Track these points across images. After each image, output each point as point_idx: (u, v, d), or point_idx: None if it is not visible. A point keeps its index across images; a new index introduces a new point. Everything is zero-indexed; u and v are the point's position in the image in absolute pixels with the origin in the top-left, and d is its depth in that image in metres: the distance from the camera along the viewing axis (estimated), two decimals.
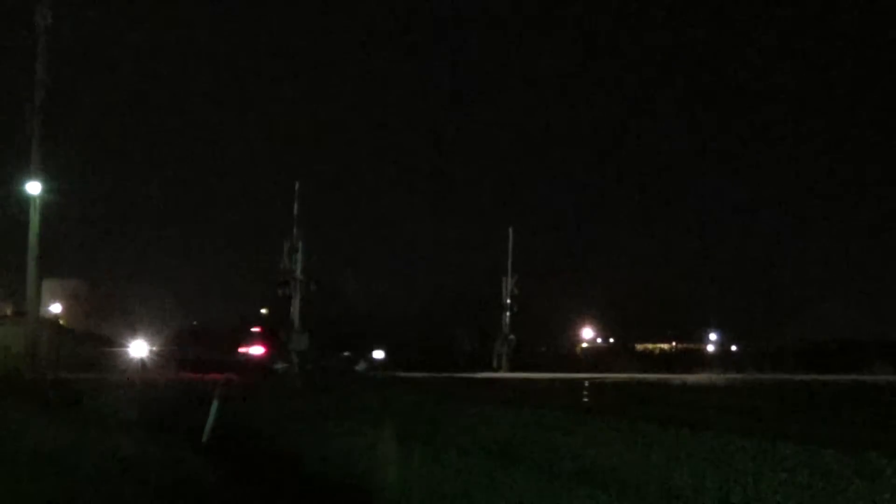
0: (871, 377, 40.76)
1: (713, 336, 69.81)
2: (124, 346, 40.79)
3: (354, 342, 41.83)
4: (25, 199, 27.84)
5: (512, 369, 42.99)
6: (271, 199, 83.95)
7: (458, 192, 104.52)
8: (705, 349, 69.17)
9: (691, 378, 38.62)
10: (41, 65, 27.56)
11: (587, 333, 68.88)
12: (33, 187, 27.69)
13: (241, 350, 38.45)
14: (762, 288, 64.20)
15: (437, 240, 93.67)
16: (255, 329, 41.17)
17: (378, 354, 41.54)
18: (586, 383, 29.92)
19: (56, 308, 59.19)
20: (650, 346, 73.71)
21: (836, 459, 7.19)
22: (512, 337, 46.19)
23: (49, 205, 28.12)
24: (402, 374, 34.99)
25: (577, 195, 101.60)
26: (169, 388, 22.15)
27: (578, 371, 42.04)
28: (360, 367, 39.30)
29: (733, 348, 69.41)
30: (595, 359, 56.40)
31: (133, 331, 44.50)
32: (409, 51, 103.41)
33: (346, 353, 39.94)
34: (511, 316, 46.52)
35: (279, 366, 36.78)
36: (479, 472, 8.92)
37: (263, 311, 58.46)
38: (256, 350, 38.14)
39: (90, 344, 41.50)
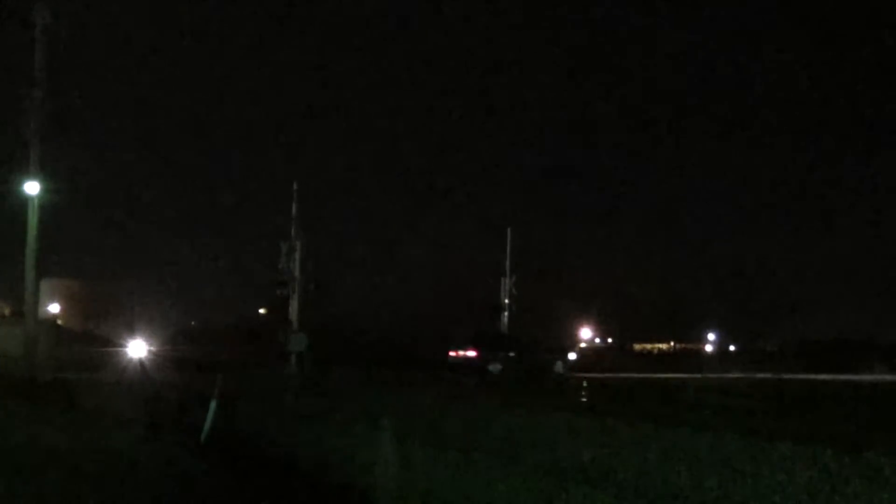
0: (869, 377, 40.75)
1: (711, 336, 69.91)
2: (123, 345, 40.80)
3: (546, 343, 43.96)
4: (24, 199, 27.79)
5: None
6: (271, 199, 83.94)
7: (457, 192, 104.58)
8: (704, 349, 69.25)
9: (694, 377, 38.65)
10: (39, 64, 27.52)
11: (585, 333, 68.91)
12: (32, 187, 27.65)
13: (453, 353, 41.02)
14: (761, 288, 64.13)
15: (435, 239, 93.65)
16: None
17: (572, 356, 43.06)
18: (584, 383, 29.94)
19: (54, 308, 59.23)
20: (648, 346, 73.83)
21: (836, 459, 7.18)
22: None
23: (48, 205, 28.07)
24: (594, 376, 36.05)
25: (577, 195, 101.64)
26: (167, 388, 22.11)
27: (580, 371, 42.04)
28: (559, 368, 40.36)
29: (731, 348, 69.51)
30: (593, 358, 56.46)
31: (131, 331, 44.53)
32: (409, 50, 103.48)
33: (545, 355, 41.53)
34: (509, 316, 46.52)
35: (493, 367, 38.79)
36: (478, 472, 8.91)
37: (262, 311, 58.51)
38: (470, 352, 40.64)
39: (88, 344, 41.49)
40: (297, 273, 34.78)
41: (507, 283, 46.47)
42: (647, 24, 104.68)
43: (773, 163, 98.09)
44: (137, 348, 39.73)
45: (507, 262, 46.54)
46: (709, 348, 69.45)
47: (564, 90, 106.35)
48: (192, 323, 65.07)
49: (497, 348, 40.99)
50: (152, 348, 42.25)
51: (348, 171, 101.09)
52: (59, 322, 54.10)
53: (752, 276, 66.40)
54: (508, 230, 46.95)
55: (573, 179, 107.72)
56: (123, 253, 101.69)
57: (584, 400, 22.70)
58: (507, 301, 46.48)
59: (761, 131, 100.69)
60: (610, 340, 73.97)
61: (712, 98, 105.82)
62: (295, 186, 35.22)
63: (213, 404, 14.15)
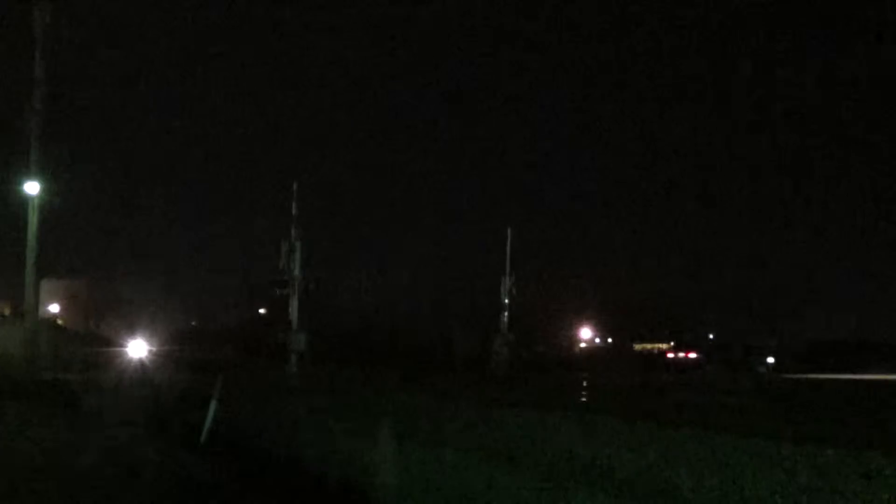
0: (869, 376, 40.85)
1: (711, 336, 69.85)
2: (123, 345, 40.78)
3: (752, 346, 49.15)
4: (24, 199, 27.81)
5: (511, 369, 42.96)
6: (271, 199, 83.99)
7: (457, 192, 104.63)
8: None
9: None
10: (40, 65, 27.54)
11: (585, 334, 68.84)
12: (32, 187, 27.67)
13: (671, 355, 48.24)
14: (760, 288, 64.22)
15: (435, 240, 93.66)
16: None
17: (770, 359, 48.18)
18: (584, 383, 29.90)
19: (55, 308, 59.16)
20: (648, 346, 73.76)
21: (836, 459, 7.17)
22: (511, 337, 46.15)
23: (48, 205, 28.09)
24: (797, 377, 38.87)
25: (577, 195, 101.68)
26: (167, 388, 22.11)
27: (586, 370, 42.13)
28: (761, 369, 44.95)
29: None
30: (593, 359, 56.50)
31: (131, 331, 44.50)
32: (410, 50, 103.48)
33: (752, 357, 46.91)
34: (509, 316, 46.46)
35: (708, 366, 43.97)
36: (478, 472, 8.91)
37: (262, 311, 58.45)
38: (690, 354, 47.67)
39: (89, 344, 41.47)
40: (297, 273, 34.72)
41: (507, 282, 46.38)
42: (647, 25, 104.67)
43: (773, 163, 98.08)
44: (137, 348, 39.71)
45: (507, 262, 46.46)
46: None
47: (566, 90, 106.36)
48: (193, 323, 65.05)
49: (710, 351, 46.22)
50: (152, 348, 42.22)
51: (348, 170, 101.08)
52: (60, 322, 54.08)
53: (752, 276, 66.52)
54: (508, 230, 46.90)
55: (573, 179, 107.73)
56: (123, 253, 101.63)
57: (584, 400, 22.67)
58: (507, 301, 46.40)
59: (763, 132, 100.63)
60: (610, 340, 73.89)
61: (713, 98, 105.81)
62: (295, 186, 35.19)
63: (213, 404, 14.16)
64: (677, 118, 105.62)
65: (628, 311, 66.05)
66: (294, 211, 34.88)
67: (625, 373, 40.51)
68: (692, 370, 43.50)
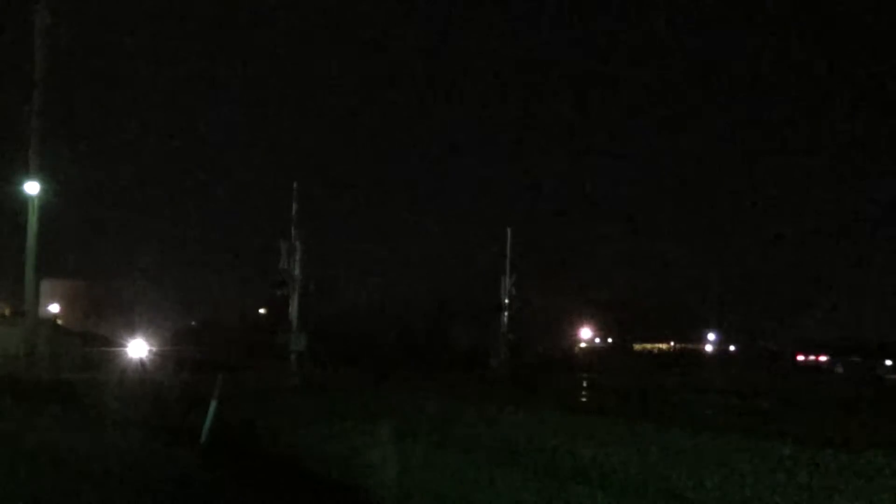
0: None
1: (711, 336, 69.78)
2: (123, 345, 40.72)
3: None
4: (24, 199, 27.81)
5: (511, 369, 42.95)
6: (271, 199, 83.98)
7: (457, 192, 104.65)
8: (704, 349, 69.18)
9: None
10: (40, 65, 27.56)
11: (585, 333, 68.82)
12: (32, 187, 27.68)
13: (802, 357, 52.39)
14: (760, 288, 64.31)
15: (435, 239, 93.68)
16: None
17: (888, 362, 50.05)
18: (584, 384, 29.88)
19: (54, 308, 59.14)
20: (648, 345, 73.74)
21: (836, 459, 7.18)
22: (511, 337, 46.11)
23: (48, 205, 28.11)
24: None
25: (577, 195, 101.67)
26: (167, 388, 22.11)
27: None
28: (881, 371, 46.73)
29: (731, 348, 69.44)
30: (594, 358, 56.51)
31: (131, 331, 44.44)
32: (410, 50, 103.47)
33: (856, 359, 49.47)
34: (509, 316, 46.40)
35: (838, 369, 47.66)
36: (479, 472, 8.92)
37: (262, 311, 58.43)
38: (821, 357, 51.31)
39: (89, 344, 41.44)
40: (297, 273, 34.68)
41: (506, 282, 46.32)
42: (651, 30, 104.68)
43: (772, 163, 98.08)
44: (137, 348, 39.62)
45: (507, 262, 46.38)
46: (709, 348, 69.39)
47: (567, 91, 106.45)
48: (192, 323, 64.96)
49: (838, 354, 49.70)
50: (152, 348, 42.14)
51: (348, 170, 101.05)
52: (59, 322, 54.03)
53: (752, 276, 66.61)
54: (508, 230, 46.83)
55: (574, 179, 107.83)
56: (123, 253, 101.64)
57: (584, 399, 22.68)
58: (507, 301, 46.34)
59: (762, 134, 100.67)
60: (610, 340, 73.89)
61: (714, 98, 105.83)
62: (295, 186, 35.14)
63: (213, 404, 14.15)
64: (677, 117, 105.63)
65: (628, 310, 66.13)
66: (294, 211, 34.84)
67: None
68: (820, 370, 47.11)
